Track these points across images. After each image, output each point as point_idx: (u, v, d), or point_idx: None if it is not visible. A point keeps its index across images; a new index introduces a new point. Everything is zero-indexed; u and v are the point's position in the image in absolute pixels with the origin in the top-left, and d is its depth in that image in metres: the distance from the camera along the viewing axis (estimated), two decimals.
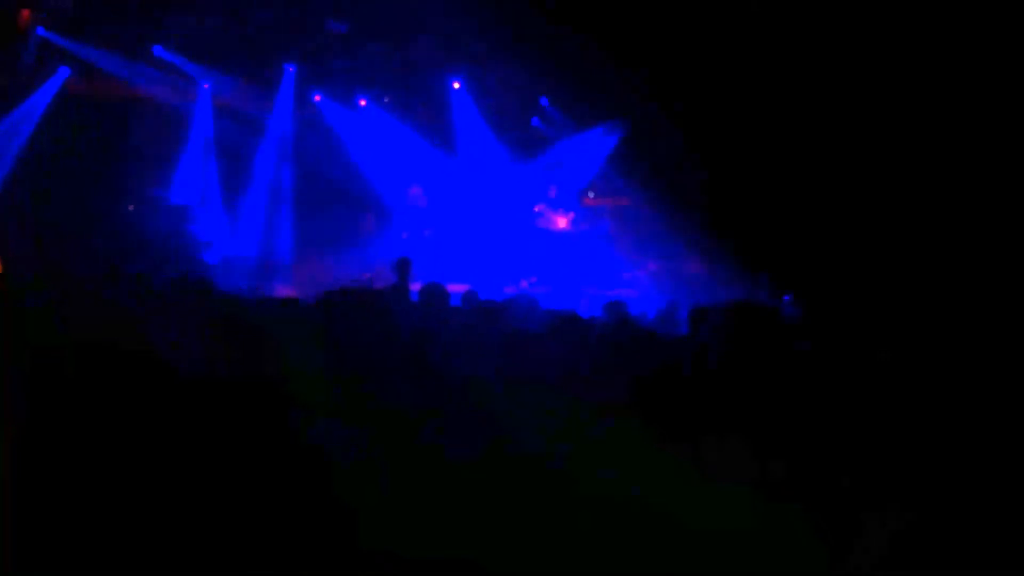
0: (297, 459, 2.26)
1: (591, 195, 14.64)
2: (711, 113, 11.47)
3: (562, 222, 13.49)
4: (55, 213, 11.16)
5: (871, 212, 10.15)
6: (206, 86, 12.45)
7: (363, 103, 13.16)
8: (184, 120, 12.57)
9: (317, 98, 13.03)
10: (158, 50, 11.56)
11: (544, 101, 13.49)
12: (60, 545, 1.94)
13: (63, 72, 11.78)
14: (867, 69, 9.53)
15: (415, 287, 5.69)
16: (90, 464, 2.09)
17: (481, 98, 12.95)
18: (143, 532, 1.97)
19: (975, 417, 2.38)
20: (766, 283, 10.91)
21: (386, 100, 13.17)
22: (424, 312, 5.07)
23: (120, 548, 1.95)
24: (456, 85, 12.94)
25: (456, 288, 7.12)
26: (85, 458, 2.11)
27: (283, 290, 11.04)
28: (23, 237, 11.03)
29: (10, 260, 10.50)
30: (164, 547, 1.96)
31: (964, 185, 9.32)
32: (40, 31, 11.25)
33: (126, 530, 1.96)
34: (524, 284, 12.40)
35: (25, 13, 10.94)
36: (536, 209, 13.46)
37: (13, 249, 10.83)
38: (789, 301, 9.93)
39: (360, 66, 12.06)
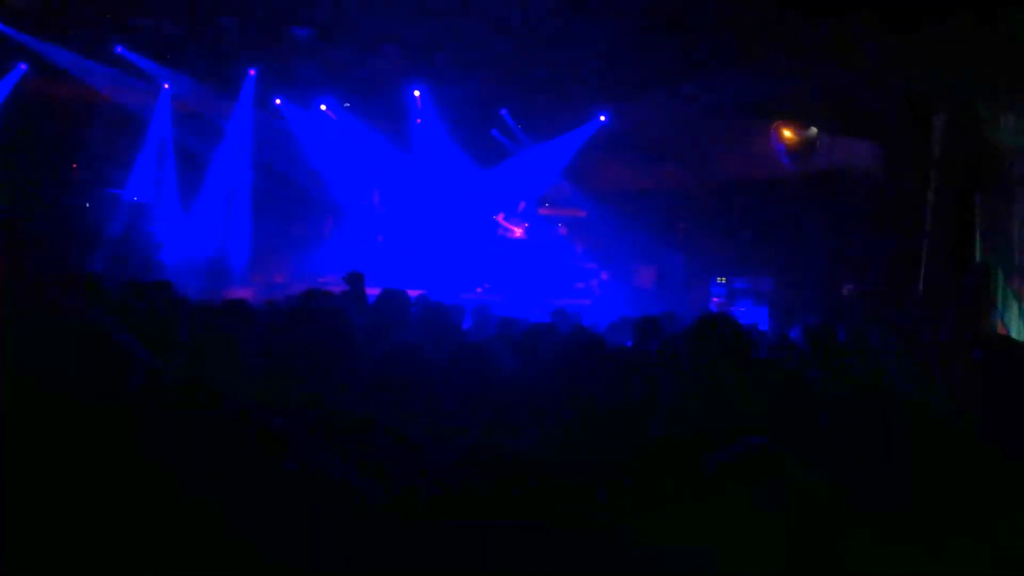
0: (243, 465, 2.28)
1: (546, 205, 14.88)
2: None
3: (518, 231, 13.70)
4: (8, 209, 11.07)
5: None
6: (167, 87, 12.43)
7: (324, 107, 13.24)
8: (143, 120, 12.54)
9: (277, 101, 13.08)
10: (120, 49, 11.51)
11: (504, 112, 13.67)
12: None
13: (20, 68, 11.70)
14: None
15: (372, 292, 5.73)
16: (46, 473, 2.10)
17: (441, 107, 13.07)
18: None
19: None
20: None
21: (347, 105, 13.25)
22: (381, 318, 5.09)
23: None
24: (416, 93, 13.05)
25: (412, 293, 7.26)
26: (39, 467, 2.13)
27: (238, 292, 11.07)
28: None
29: None
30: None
31: None
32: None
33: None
34: (478, 291, 12.58)
35: None
36: (496, 218, 13.66)
37: None
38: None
39: (322, 71, 12.10)
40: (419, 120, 13.40)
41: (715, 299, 12.24)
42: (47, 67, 11.54)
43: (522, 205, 13.75)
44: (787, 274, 11.74)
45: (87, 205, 12.18)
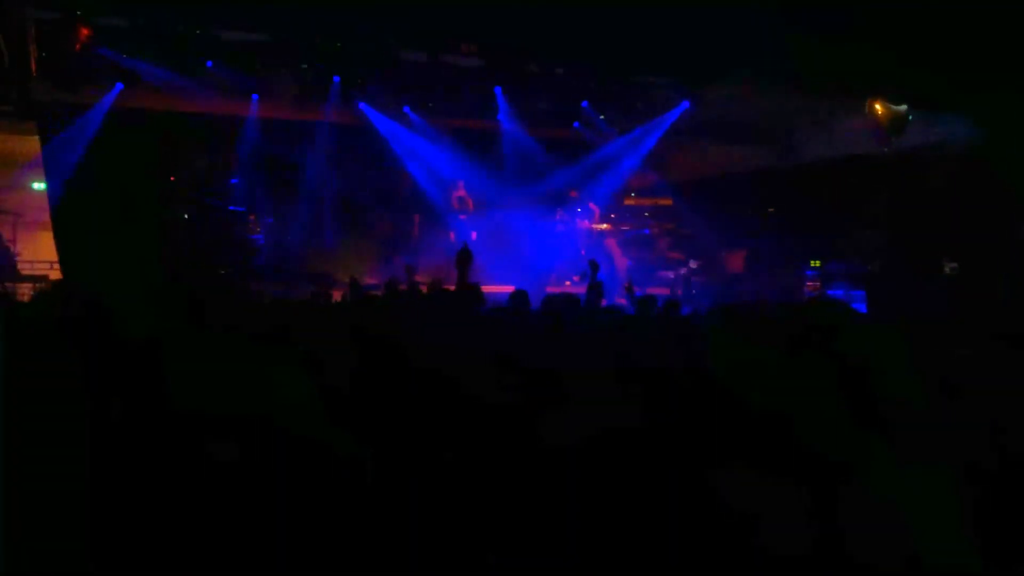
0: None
1: (632, 195, 14.80)
2: None
3: (604, 223, 13.68)
4: (111, 222, 11.49)
5: None
6: (255, 97, 12.74)
7: (406, 109, 13.39)
8: (235, 130, 12.88)
9: (361, 106, 13.27)
10: (210, 64, 11.83)
11: (585, 104, 13.63)
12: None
13: (117, 87, 12.12)
14: None
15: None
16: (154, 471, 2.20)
17: (522, 102, 13.09)
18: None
19: None
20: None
21: (430, 105, 13.36)
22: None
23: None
24: (497, 91, 13.10)
25: (502, 289, 7.32)
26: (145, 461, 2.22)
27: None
28: (82, 246, 11.39)
29: (69, 269, 10.90)
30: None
31: None
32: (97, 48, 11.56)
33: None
34: (568, 284, 12.58)
35: (84, 31, 11.24)
36: (580, 209, 13.64)
37: (72, 258, 11.22)
38: None
39: (404, 74, 12.25)
40: (501, 116, 13.44)
41: (809, 283, 11.98)
42: (143, 84, 11.93)
43: (593, 205, 13.72)
44: (884, 255, 11.43)
45: (186, 216, 12.59)
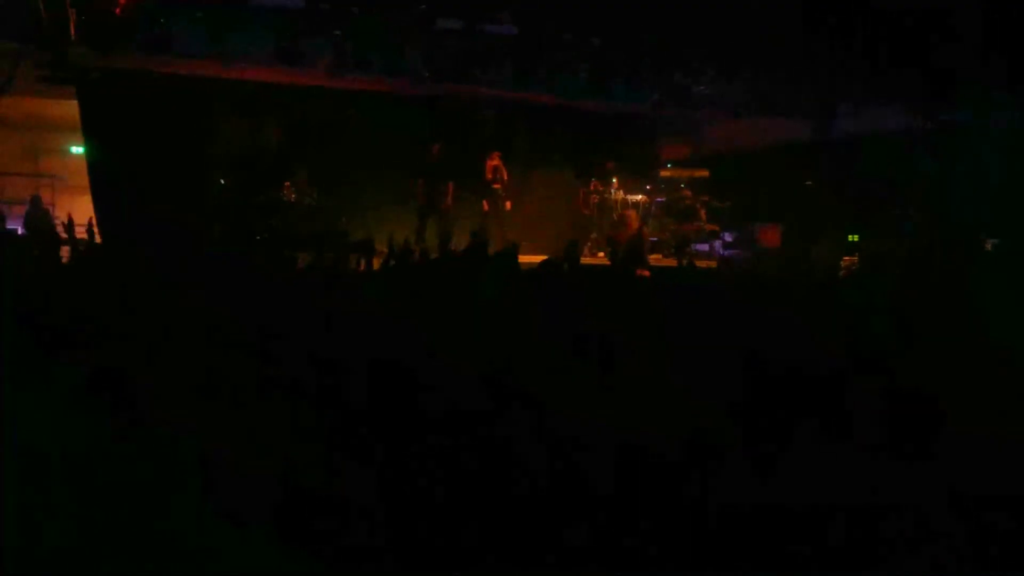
0: None
1: (668, 167, 14.67)
2: None
3: (639, 193, 13.58)
4: (148, 187, 11.61)
5: None
6: (291, 65, 12.70)
7: (441, 78, 13.29)
8: (271, 98, 12.92)
9: (396, 74, 13.19)
10: (246, 32, 11.79)
11: (621, 75, 13.45)
12: None
13: (155, 52, 12.09)
14: None
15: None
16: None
17: (559, 72, 12.97)
18: None
19: None
20: None
21: (465, 74, 13.25)
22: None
23: None
24: (533, 60, 12.96)
25: (535, 259, 7.29)
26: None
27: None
28: (118, 211, 11.53)
29: (107, 233, 11.04)
30: None
31: None
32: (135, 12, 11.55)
33: None
34: (599, 255, 12.53)
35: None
36: (614, 180, 13.57)
37: (109, 222, 11.36)
38: None
39: (439, 42, 12.19)
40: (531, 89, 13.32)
41: (845, 259, 11.82)
42: (179, 50, 11.92)
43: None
44: (923, 229, 11.25)
45: (222, 182, 12.66)
